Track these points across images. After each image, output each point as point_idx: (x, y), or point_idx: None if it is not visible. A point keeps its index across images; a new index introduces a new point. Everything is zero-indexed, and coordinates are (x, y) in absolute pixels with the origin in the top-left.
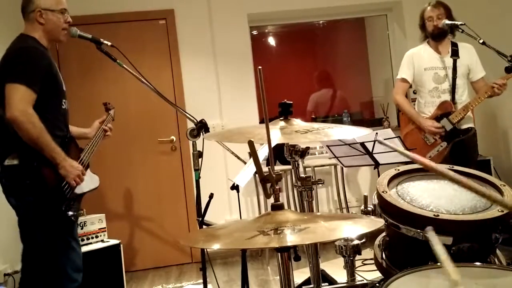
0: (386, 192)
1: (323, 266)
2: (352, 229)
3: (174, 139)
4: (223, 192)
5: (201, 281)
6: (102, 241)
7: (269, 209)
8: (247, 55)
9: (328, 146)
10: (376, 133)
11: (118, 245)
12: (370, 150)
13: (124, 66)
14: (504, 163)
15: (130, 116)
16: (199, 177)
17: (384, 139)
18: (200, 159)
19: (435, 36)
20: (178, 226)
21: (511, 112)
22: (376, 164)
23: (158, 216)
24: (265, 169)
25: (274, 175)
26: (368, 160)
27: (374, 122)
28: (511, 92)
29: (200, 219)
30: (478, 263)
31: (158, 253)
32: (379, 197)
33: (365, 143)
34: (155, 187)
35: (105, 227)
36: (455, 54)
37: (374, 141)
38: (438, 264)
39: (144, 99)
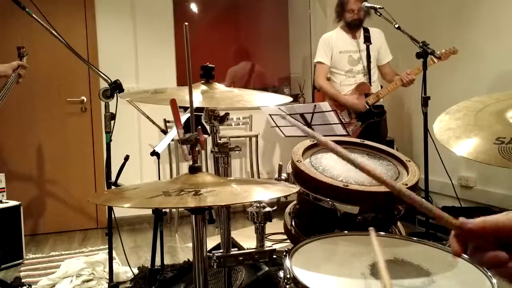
0: (301, 161)
1: (232, 235)
2: (267, 193)
3: (85, 100)
4: (135, 156)
5: (106, 246)
6: (1, 202)
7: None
8: (168, 17)
9: (270, 115)
10: (315, 106)
11: (18, 207)
12: (309, 121)
13: (34, 16)
14: (406, 145)
15: (37, 73)
16: (111, 140)
17: (322, 112)
18: (112, 122)
19: (352, 26)
20: (84, 190)
21: (417, 97)
22: None
23: (63, 179)
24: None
25: (195, 138)
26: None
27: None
28: (419, 79)
29: (113, 181)
30: (382, 233)
31: (62, 217)
32: (294, 166)
33: (305, 114)
34: (62, 148)
35: (4, 188)
36: (367, 40)
37: (313, 113)
38: (345, 232)
39: (53, 55)
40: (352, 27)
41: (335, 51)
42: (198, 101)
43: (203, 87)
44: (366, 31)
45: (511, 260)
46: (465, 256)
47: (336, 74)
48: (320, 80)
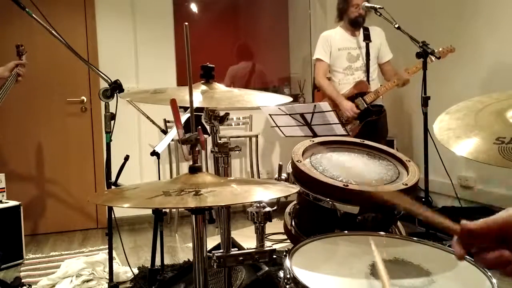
0: (301, 161)
1: (232, 235)
2: (267, 193)
3: (85, 100)
4: (135, 156)
5: (106, 246)
6: (1, 202)
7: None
8: (168, 17)
9: (270, 115)
10: (315, 106)
11: (18, 207)
12: (309, 121)
13: (34, 16)
14: (406, 145)
15: (37, 73)
16: (111, 140)
17: (322, 111)
18: (112, 122)
19: (355, 23)
20: (84, 190)
21: (417, 97)
22: (314, 135)
23: (63, 179)
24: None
25: (195, 138)
26: (307, 131)
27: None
28: (419, 79)
29: (113, 181)
30: (382, 233)
31: (62, 217)
32: (294, 166)
33: (304, 114)
34: (62, 148)
35: (4, 188)
36: (367, 38)
37: (313, 113)
38: (345, 232)
39: (53, 55)
40: (354, 24)
41: (334, 48)
42: (198, 101)
43: (203, 87)
44: (366, 29)
45: None
46: (467, 256)
47: (335, 73)
48: (319, 77)
